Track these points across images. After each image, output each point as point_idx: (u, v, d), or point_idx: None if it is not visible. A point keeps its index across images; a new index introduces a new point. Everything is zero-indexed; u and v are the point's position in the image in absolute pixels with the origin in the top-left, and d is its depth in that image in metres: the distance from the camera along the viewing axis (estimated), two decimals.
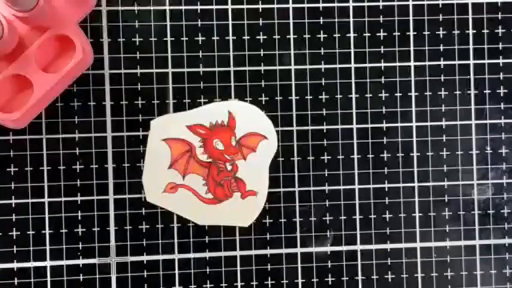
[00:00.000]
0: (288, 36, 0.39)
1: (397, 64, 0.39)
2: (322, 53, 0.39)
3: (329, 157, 0.39)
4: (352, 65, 0.39)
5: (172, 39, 0.38)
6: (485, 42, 0.39)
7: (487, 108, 0.40)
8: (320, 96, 0.39)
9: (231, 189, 0.38)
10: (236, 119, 0.38)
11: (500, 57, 0.36)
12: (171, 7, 0.38)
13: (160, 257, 0.38)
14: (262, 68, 0.38)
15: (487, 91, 0.40)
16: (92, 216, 0.38)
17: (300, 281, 0.39)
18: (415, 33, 0.39)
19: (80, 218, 0.38)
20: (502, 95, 0.40)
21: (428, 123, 0.39)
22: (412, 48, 0.39)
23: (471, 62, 0.39)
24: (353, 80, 0.39)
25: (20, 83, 0.35)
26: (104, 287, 0.38)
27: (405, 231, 0.39)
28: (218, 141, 0.38)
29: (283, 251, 0.39)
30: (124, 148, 0.38)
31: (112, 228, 0.38)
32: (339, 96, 0.39)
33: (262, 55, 0.38)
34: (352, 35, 0.39)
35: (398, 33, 0.39)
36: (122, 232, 0.38)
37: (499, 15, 0.39)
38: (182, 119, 0.38)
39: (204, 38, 0.38)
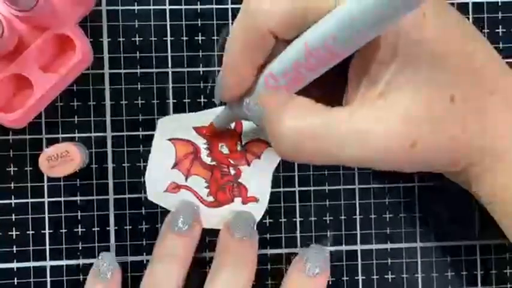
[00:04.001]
0: None
1: None
2: None
3: None
4: None
5: (172, 39, 0.38)
6: None
7: None
8: None
9: (233, 194, 0.38)
10: (243, 123, 0.38)
11: (500, 57, 0.36)
12: (171, 7, 0.38)
13: None
14: None
15: None
16: (92, 216, 0.38)
17: None
18: None
19: (79, 218, 0.38)
20: None
21: None
22: None
23: None
24: None
25: (20, 83, 0.35)
26: None
27: (405, 231, 0.39)
28: (223, 145, 0.38)
29: (283, 251, 0.39)
30: (124, 148, 0.38)
31: (112, 228, 0.38)
32: None
33: None
34: None
35: None
36: (121, 232, 0.38)
37: (499, 15, 0.39)
38: (189, 120, 0.38)
39: (204, 38, 0.38)
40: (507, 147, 0.30)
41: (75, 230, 0.38)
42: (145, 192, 0.38)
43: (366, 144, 0.28)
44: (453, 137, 0.29)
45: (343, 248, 0.39)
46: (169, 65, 0.38)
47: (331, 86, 0.31)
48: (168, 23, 0.38)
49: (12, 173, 0.37)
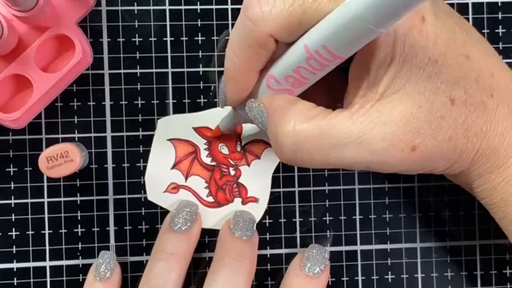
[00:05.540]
0: None
1: None
2: None
3: None
4: None
5: (172, 39, 0.38)
6: None
7: None
8: None
9: (233, 194, 0.38)
10: (243, 124, 0.38)
11: (501, 57, 0.36)
12: (171, 7, 0.38)
13: None
14: None
15: None
16: (92, 216, 0.38)
17: None
18: None
19: (79, 218, 0.38)
20: None
21: None
22: None
23: None
24: None
25: (20, 83, 0.35)
26: None
27: (405, 231, 0.39)
28: (223, 145, 0.38)
29: (283, 251, 0.39)
30: (124, 148, 0.38)
31: (112, 228, 0.38)
32: None
33: None
34: None
35: None
36: (121, 232, 0.38)
37: (499, 15, 0.39)
38: (189, 120, 0.38)
39: (204, 38, 0.38)
40: (508, 148, 0.30)
41: (75, 230, 0.38)
42: (145, 192, 0.38)
43: (365, 147, 0.28)
44: (453, 140, 0.29)
45: (343, 248, 0.39)
46: (169, 65, 0.38)
47: (333, 90, 0.31)
48: (168, 23, 0.38)
49: (12, 173, 0.37)
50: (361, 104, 0.28)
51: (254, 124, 0.32)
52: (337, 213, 0.39)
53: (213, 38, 0.38)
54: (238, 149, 0.38)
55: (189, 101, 0.38)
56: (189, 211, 0.36)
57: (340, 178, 0.39)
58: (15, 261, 0.37)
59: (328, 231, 0.39)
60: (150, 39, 0.38)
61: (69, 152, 0.35)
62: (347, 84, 0.30)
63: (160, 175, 0.38)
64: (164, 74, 0.38)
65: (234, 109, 0.33)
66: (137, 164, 0.38)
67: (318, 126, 0.29)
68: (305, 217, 0.39)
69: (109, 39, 0.38)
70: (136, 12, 0.38)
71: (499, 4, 0.39)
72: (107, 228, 0.38)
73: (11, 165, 0.37)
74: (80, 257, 0.38)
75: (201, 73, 0.38)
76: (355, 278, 0.39)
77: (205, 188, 0.38)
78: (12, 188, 0.37)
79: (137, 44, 0.38)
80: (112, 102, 0.38)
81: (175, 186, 0.38)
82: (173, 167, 0.38)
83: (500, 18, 0.39)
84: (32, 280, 0.37)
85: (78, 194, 0.38)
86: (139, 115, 0.38)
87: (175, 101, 0.38)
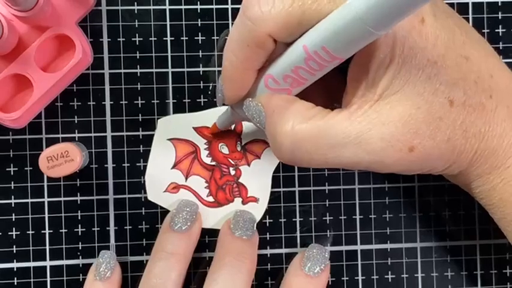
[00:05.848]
0: None
1: None
2: None
3: None
4: None
5: (172, 39, 0.38)
6: None
7: None
8: None
9: (233, 194, 0.38)
10: (243, 124, 0.38)
11: (501, 57, 0.36)
12: (171, 7, 0.38)
13: None
14: None
15: None
16: (92, 216, 0.38)
17: None
18: None
19: (79, 217, 0.38)
20: None
21: None
22: None
23: None
24: None
25: (20, 83, 0.35)
26: None
27: (405, 231, 0.39)
28: (223, 145, 0.38)
29: (283, 251, 0.39)
30: (124, 148, 0.38)
31: (112, 228, 0.38)
32: None
33: None
34: None
35: None
36: (121, 232, 0.38)
37: (499, 15, 0.39)
38: (189, 120, 0.38)
39: (204, 38, 0.38)
40: (507, 149, 0.30)
41: (75, 230, 0.38)
42: (145, 192, 0.38)
43: (363, 147, 0.28)
44: (452, 141, 0.29)
45: (343, 248, 0.39)
46: (169, 65, 0.38)
47: (331, 90, 0.31)
48: (168, 23, 0.38)
49: (12, 173, 0.37)
50: (360, 104, 0.28)
51: (251, 123, 0.32)
52: (337, 213, 0.39)
53: (213, 37, 0.38)
54: (239, 148, 0.38)
55: (189, 100, 0.38)
56: (189, 211, 0.36)
57: (340, 178, 0.39)
58: (15, 261, 0.37)
59: (328, 231, 0.39)
60: (150, 39, 0.38)
61: (70, 151, 0.35)
62: (345, 85, 0.30)
63: (160, 175, 0.38)
64: (164, 73, 0.38)
65: (232, 107, 0.33)
66: (137, 164, 0.38)
67: (316, 126, 0.29)
68: (305, 217, 0.39)
69: (109, 39, 0.38)
70: (136, 12, 0.38)
71: (499, 4, 0.39)
72: (107, 228, 0.38)
73: (11, 165, 0.37)
74: (80, 257, 0.38)
75: (201, 73, 0.38)
76: (355, 277, 0.39)
77: (205, 187, 0.38)
78: (13, 187, 0.37)
79: (137, 43, 0.38)
80: (112, 102, 0.38)
81: (176, 186, 0.38)
82: (173, 167, 0.38)
83: (500, 18, 0.39)
84: (32, 280, 0.37)
85: (78, 194, 0.38)
86: (140, 115, 0.38)
87: (175, 100, 0.38)
